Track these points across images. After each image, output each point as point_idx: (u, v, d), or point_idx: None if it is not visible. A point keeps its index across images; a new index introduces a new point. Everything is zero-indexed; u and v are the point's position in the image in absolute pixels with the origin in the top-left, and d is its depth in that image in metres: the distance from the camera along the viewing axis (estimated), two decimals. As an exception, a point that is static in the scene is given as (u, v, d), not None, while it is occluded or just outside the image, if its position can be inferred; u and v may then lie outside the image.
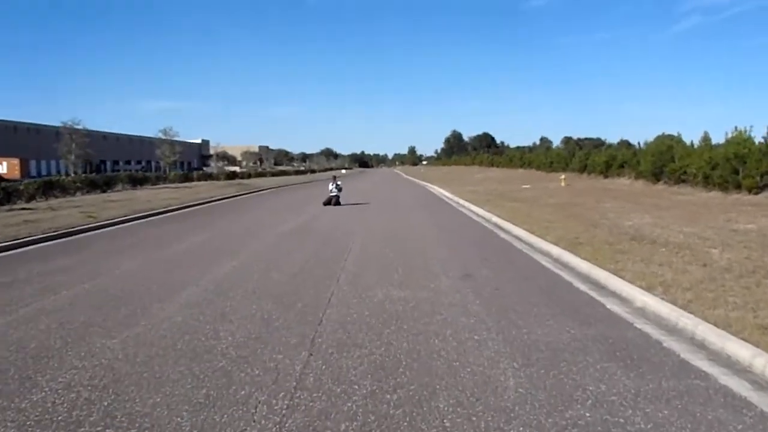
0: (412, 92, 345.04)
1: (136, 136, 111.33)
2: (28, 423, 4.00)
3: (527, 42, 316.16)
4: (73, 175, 42.56)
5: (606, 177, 37.17)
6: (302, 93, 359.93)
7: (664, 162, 28.79)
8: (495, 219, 17.07)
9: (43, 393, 4.51)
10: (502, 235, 14.18)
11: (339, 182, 24.85)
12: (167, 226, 17.24)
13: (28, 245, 13.08)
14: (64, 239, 14.35)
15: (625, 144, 59.46)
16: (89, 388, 4.60)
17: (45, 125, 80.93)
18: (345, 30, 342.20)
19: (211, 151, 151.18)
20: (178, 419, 4.03)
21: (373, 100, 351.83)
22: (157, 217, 20.21)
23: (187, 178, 51.56)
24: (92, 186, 32.99)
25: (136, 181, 40.58)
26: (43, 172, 73.23)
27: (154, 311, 6.98)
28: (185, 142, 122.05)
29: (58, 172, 70.25)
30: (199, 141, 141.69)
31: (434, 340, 5.75)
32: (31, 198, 25.21)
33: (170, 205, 23.54)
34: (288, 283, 8.48)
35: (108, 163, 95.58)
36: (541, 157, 58.18)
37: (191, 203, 25.67)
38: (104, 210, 20.37)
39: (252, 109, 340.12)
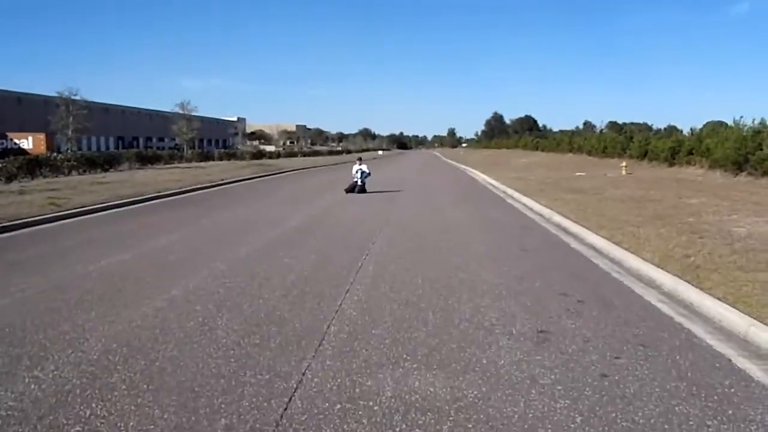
0: (452, 73, 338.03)
1: (169, 112, 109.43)
2: None
3: (572, 24, 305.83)
4: (107, 150, 39.95)
5: (671, 165, 32.73)
6: (342, 73, 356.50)
7: (750, 149, 24.41)
8: (557, 218, 13.26)
9: None
10: (574, 244, 10.36)
11: (364, 166, 20.91)
12: (138, 220, 13.68)
13: None
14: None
15: (673, 130, 54.56)
16: None
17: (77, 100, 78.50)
18: (386, 10, 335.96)
19: (248, 129, 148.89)
20: None
21: (413, 80, 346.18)
22: (139, 205, 16.71)
23: (206, 157, 48.10)
24: (91, 165, 29.38)
25: (146, 160, 37.13)
26: (74, 147, 71.04)
27: None
28: (221, 120, 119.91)
29: (89, 147, 67.92)
30: (234, 119, 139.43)
31: None
32: (11, 178, 21.99)
33: (166, 189, 20.08)
34: (231, 353, 4.86)
35: (141, 140, 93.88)
36: (593, 141, 52.72)
37: (192, 187, 22.04)
38: (82, 195, 16.99)
39: (292, 89, 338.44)
